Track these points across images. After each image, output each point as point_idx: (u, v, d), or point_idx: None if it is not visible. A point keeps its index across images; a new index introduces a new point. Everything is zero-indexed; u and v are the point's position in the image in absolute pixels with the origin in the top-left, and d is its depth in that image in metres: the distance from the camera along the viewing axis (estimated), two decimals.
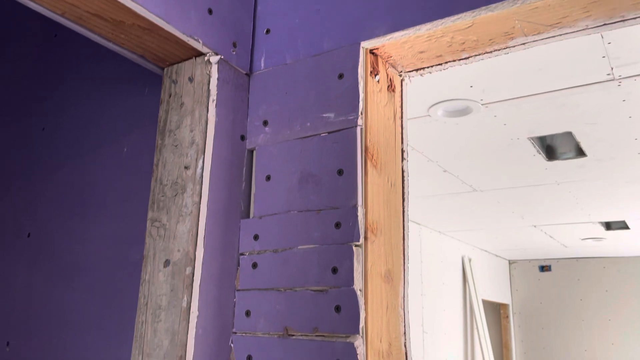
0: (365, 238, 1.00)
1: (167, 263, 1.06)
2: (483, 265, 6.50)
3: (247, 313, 1.07)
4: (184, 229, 1.06)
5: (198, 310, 1.01)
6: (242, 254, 1.12)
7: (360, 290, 0.97)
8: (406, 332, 1.06)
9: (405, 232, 1.12)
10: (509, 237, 5.83)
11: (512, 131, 2.92)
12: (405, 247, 1.11)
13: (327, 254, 1.01)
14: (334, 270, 0.99)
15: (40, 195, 1.51)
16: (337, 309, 0.97)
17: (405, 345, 1.05)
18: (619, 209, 4.42)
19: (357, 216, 1.00)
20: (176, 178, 1.10)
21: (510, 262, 7.35)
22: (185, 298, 1.01)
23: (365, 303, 0.96)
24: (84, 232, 1.35)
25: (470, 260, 6.05)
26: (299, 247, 1.05)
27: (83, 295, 1.30)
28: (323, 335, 0.97)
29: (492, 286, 6.62)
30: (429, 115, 2.76)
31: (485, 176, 3.73)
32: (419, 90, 2.49)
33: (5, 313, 1.48)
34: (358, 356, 0.92)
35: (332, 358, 0.95)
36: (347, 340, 0.94)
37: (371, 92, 1.08)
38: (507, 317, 7.01)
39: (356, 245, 0.99)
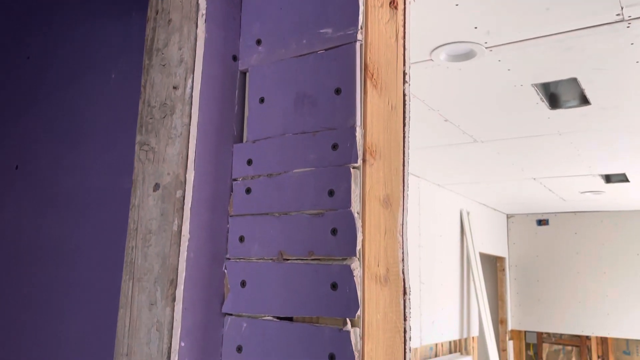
0: (364, 160, 0.95)
1: (156, 187, 1.02)
2: (481, 218, 6.52)
3: (241, 239, 1.04)
4: (174, 151, 1.01)
5: (189, 233, 0.97)
6: (235, 180, 1.08)
7: (357, 212, 0.93)
8: (404, 259, 1.03)
9: (405, 158, 1.07)
10: (508, 191, 5.82)
11: (516, 77, 2.84)
12: (405, 174, 1.07)
13: (323, 176, 0.97)
14: (331, 193, 0.95)
15: (26, 126, 1.45)
16: (334, 231, 0.93)
17: (403, 272, 1.02)
18: (620, 160, 4.38)
19: (355, 137, 0.95)
20: (165, 99, 1.04)
21: (508, 216, 7.37)
22: (175, 221, 0.97)
23: (363, 226, 0.92)
24: (73, 161, 1.31)
25: (468, 213, 6.05)
26: (294, 170, 1.00)
27: (73, 226, 1.27)
28: (319, 259, 0.94)
29: (489, 239, 6.66)
30: (431, 60, 2.68)
31: (487, 126, 3.67)
32: (421, 32, 2.40)
33: None
34: (355, 278, 0.89)
35: (328, 281, 0.92)
36: (344, 263, 0.91)
37: (372, 6, 1.01)
38: (504, 269, 7.08)
39: (354, 167, 0.94)
